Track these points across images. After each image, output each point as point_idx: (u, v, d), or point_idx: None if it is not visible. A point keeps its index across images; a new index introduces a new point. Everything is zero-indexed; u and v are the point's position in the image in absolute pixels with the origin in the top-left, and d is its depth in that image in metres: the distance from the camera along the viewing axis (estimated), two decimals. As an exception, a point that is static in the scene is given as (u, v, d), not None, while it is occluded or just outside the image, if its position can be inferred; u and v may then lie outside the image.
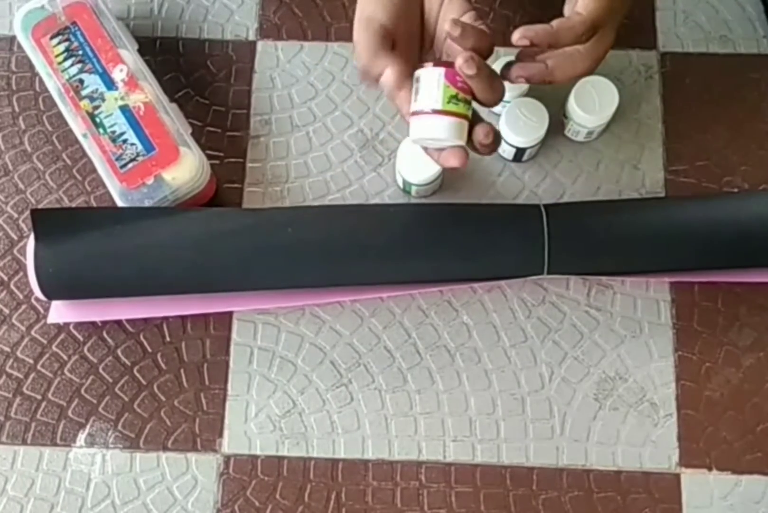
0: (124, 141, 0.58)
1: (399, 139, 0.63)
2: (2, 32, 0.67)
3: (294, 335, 0.60)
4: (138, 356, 0.60)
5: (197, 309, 0.59)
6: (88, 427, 0.58)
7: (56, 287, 0.56)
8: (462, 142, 0.48)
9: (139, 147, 0.58)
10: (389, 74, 0.48)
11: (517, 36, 0.47)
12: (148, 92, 0.59)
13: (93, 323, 0.60)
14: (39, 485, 0.57)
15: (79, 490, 0.57)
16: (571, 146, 0.63)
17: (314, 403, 0.58)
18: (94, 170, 0.60)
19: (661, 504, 0.56)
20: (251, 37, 0.66)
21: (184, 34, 0.66)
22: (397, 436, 0.58)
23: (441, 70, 0.46)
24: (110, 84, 0.59)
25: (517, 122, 0.58)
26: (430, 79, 0.47)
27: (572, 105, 0.59)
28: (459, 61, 0.45)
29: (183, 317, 0.60)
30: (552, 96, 0.61)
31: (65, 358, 0.60)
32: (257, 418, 0.58)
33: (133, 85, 0.59)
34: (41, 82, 0.63)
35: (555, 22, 0.47)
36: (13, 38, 0.66)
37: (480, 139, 0.47)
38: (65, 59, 0.60)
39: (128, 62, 0.60)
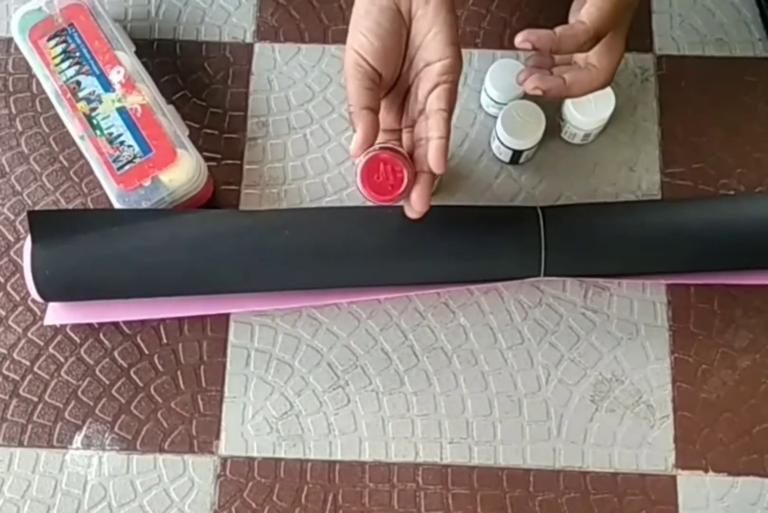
0: (121, 143, 0.58)
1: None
2: (-1, 34, 0.67)
3: (291, 337, 0.60)
4: (135, 358, 0.60)
5: (194, 311, 0.59)
6: (84, 428, 0.58)
7: (53, 289, 0.56)
8: None
9: (136, 149, 0.58)
10: (354, 139, 0.48)
11: (519, 39, 0.47)
12: (145, 94, 0.59)
13: (90, 325, 0.60)
14: (35, 487, 0.57)
15: (76, 492, 0.57)
16: (568, 149, 0.63)
17: (311, 404, 0.58)
18: (91, 172, 0.60)
19: (658, 505, 0.56)
20: (248, 40, 0.66)
21: (181, 36, 0.66)
22: (394, 438, 0.58)
23: None
24: (107, 86, 0.59)
25: (514, 125, 0.59)
26: None
27: (569, 107, 0.59)
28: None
29: (180, 319, 0.60)
30: (548, 99, 0.61)
31: (62, 359, 0.60)
32: (254, 420, 0.58)
33: (130, 86, 0.59)
34: (38, 83, 0.63)
35: (558, 29, 0.48)
36: (10, 40, 0.65)
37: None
38: (62, 61, 0.60)
39: (125, 64, 0.60)
